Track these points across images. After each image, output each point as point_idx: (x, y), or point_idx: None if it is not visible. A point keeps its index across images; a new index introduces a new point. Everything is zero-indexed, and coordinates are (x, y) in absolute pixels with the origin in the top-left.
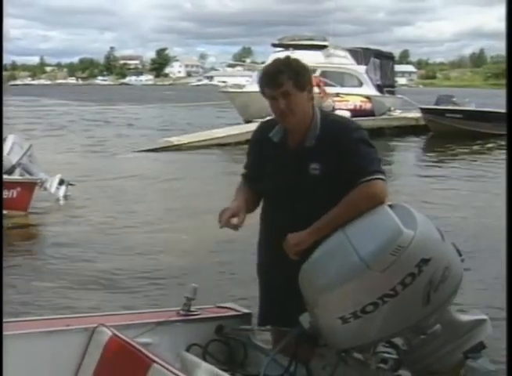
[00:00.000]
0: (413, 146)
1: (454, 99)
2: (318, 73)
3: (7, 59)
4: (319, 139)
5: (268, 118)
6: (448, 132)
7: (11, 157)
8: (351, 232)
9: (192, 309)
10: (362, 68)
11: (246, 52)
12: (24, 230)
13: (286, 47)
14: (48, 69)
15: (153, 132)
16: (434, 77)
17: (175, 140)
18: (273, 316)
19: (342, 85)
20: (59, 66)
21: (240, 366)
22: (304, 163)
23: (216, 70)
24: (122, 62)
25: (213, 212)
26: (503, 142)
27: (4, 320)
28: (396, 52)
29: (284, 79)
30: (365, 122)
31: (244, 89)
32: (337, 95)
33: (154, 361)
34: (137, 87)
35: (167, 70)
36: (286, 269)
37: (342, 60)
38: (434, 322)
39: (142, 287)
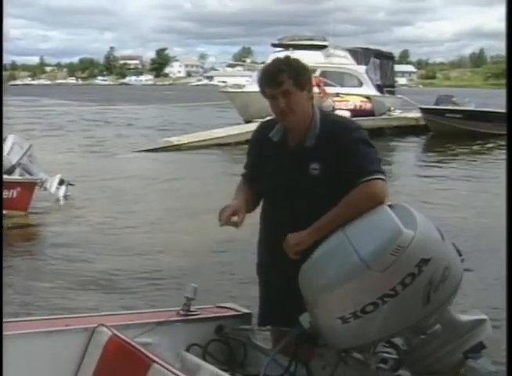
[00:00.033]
0: (413, 146)
1: (454, 99)
2: (318, 73)
3: (7, 59)
4: (319, 138)
5: (268, 118)
6: (448, 132)
7: (11, 157)
8: (351, 232)
9: (192, 308)
10: (362, 68)
11: (246, 52)
12: (24, 230)
13: (286, 47)
14: (48, 69)
15: (152, 132)
16: (434, 77)
17: (175, 140)
18: (273, 316)
19: (342, 85)
20: (59, 66)
21: (240, 366)
22: (304, 163)
23: (216, 70)
24: (122, 62)
25: (213, 212)
26: (503, 142)
27: (4, 320)
28: (396, 52)
29: (284, 78)
30: (365, 122)
31: (244, 89)
32: (337, 95)
33: (154, 361)
34: (137, 87)
35: (167, 70)
36: (286, 269)
37: (342, 60)
38: (434, 322)
39: (141, 288)
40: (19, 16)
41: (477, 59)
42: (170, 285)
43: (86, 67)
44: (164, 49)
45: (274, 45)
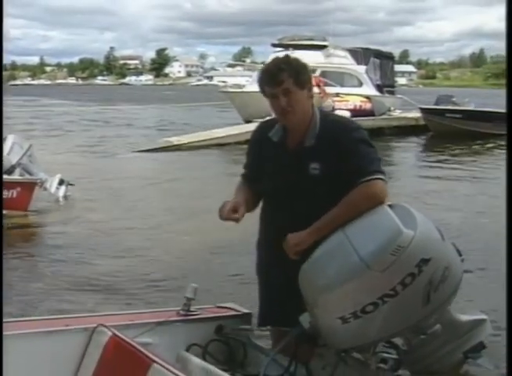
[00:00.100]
0: (413, 146)
1: (454, 99)
2: (318, 73)
3: (7, 59)
4: (319, 138)
5: (267, 118)
6: (447, 132)
7: (11, 157)
8: (351, 232)
9: (192, 308)
10: (361, 68)
11: (246, 52)
12: (24, 230)
13: (286, 47)
14: (48, 69)
15: (152, 132)
16: (433, 77)
17: (175, 140)
18: (273, 316)
19: (342, 85)
20: (58, 66)
21: (240, 366)
22: (304, 163)
23: (216, 70)
24: (122, 62)
25: (213, 212)
26: (503, 142)
27: (4, 320)
28: (396, 52)
29: (285, 77)
30: (365, 122)
31: (244, 89)
32: (337, 95)
33: (154, 361)
34: (137, 87)
35: (167, 70)
36: (286, 269)
37: (342, 60)
38: (434, 322)
39: (141, 289)
40: (19, 16)
41: (477, 59)
42: (170, 286)
43: (86, 67)
44: (164, 49)
45: (274, 45)
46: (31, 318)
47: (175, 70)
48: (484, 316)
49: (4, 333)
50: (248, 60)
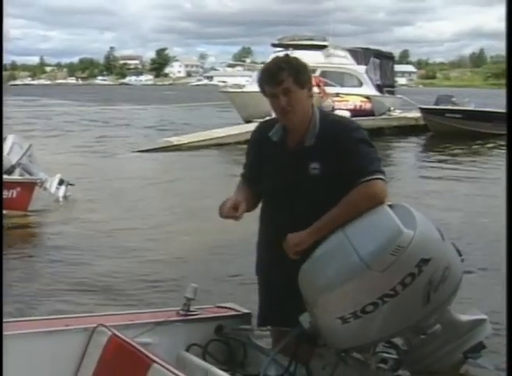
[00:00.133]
0: (413, 146)
1: (454, 99)
2: (318, 73)
3: (7, 59)
4: (319, 138)
5: (267, 118)
6: (447, 132)
7: (11, 157)
8: (351, 232)
9: (191, 308)
10: (361, 68)
11: (246, 52)
12: (24, 230)
13: (286, 47)
14: (48, 69)
15: (152, 132)
16: (433, 77)
17: (175, 140)
18: (273, 316)
19: (342, 85)
20: (58, 66)
21: (240, 366)
22: (304, 162)
23: (216, 70)
24: (122, 62)
25: (213, 212)
26: (503, 142)
27: (4, 320)
28: (396, 52)
29: (285, 76)
30: (365, 122)
31: (244, 89)
32: (337, 95)
33: (154, 361)
34: (137, 87)
35: (167, 70)
36: (286, 269)
37: (342, 60)
38: (434, 322)
39: (141, 290)
40: (19, 16)
41: (477, 59)
42: (169, 287)
43: (86, 67)
44: (164, 49)
45: (274, 45)
46: (31, 318)
47: (175, 70)
48: (484, 316)
49: (4, 333)
50: (248, 60)
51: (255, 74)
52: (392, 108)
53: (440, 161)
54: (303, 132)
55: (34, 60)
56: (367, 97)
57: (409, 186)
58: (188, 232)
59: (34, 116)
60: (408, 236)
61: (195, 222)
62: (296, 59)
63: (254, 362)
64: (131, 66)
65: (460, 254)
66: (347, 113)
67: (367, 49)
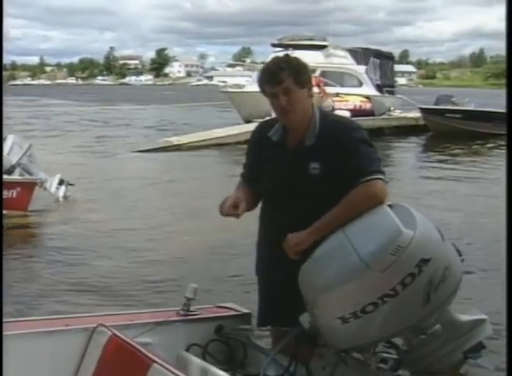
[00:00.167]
0: (413, 146)
1: (453, 99)
2: (318, 73)
3: (7, 59)
4: (319, 138)
5: (267, 118)
6: (447, 132)
7: (11, 157)
8: (351, 232)
9: (191, 308)
10: (361, 68)
11: (245, 52)
12: (24, 230)
13: (286, 47)
14: (47, 69)
15: (152, 132)
16: (433, 77)
17: (175, 140)
18: (273, 316)
19: (342, 85)
20: (58, 66)
21: (240, 366)
22: (304, 162)
23: (216, 70)
24: (122, 62)
25: (213, 212)
26: (503, 142)
27: (4, 320)
28: (396, 52)
29: (285, 76)
30: (365, 122)
31: (244, 89)
32: (337, 95)
33: (154, 361)
34: (137, 87)
35: (166, 70)
36: (286, 269)
37: (342, 60)
38: (433, 322)
39: (140, 291)
40: (19, 16)
41: (477, 59)
42: (169, 287)
43: (86, 67)
44: (163, 49)
45: (274, 45)
46: (31, 318)
47: (175, 70)
48: (484, 316)
49: (4, 333)
50: (248, 60)
51: (255, 74)
52: (392, 108)
53: (440, 161)
54: (303, 132)
55: (34, 60)
56: (367, 97)
57: (408, 186)
58: (188, 232)
59: (33, 116)
60: (408, 236)
61: (195, 222)
62: (296, 59)
63: (254, 362)
64: (131, 66)
65: (460, 254)
66: (347, 113)
67: (367, 49)
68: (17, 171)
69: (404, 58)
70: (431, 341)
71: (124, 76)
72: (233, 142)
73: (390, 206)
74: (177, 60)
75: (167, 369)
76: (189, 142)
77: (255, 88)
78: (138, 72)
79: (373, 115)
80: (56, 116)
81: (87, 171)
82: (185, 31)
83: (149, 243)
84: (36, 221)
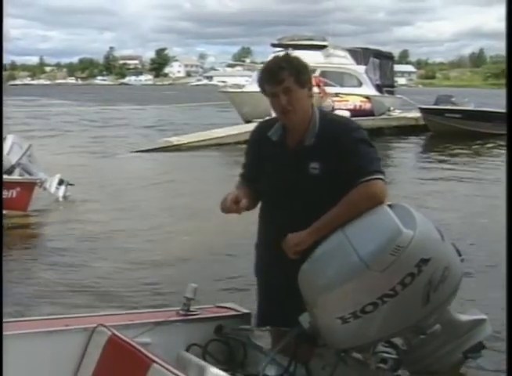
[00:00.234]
0: (413, 146)
1: (453, 99)
2: (317, 73)
3: (6, 59)
4: (319, 137)
5: (266, 118)
6: (447, 132)
7: (10, 157)
8: (351, 232)
9: (191, 308)
10: (361, 68)
11: (245, 52)
12: (24, 230)
13: (286, 47)
14: (47, 69)
15: (152, 132)
16: (433, 77)
17: (175, 140)
18: (272, 316)
19: (342, 85)
20: (58, 66)
21: (240, 366)
22: (304, 162)
23: (216, 70)
24: (122, 62)
25: (213, 212)
26: (503, 142)
27: (4, 320)
28: (396, 52)
29: (285, 75)
30: (365, 122)
31: (244, 89)
32: (337, 95)
33: (154, 361)
34: (136, 87)
35: (166, 70)
36: (286, 269)
37: (342, 60)
38: (433, 322)
39: (140, 292)
40: (19, 16)
41: (477, 59)
42: (169, 288)
43: (86, 67)
44: (163, 49)
45: (274, 45)
46: (31, 318)
47: (175, 70)
48: (484, 316)
49: (4, 333)
50: (248, 60)
51: (255, 74)
52: (392, 108)
53: (440, 161)
54: (303, 132)
55: (34, 60)
56: (367, 97)
57: (408, 187)
58: (188, 232)
59: (33, 116)
60: (407, 236)
61: (195, 222)
62: (296, 58)
63: (254, 362)
64: (131, 66)
65: (460, 255)
66: (346, 113)
67: (367, 49)
68: (17, 171)
69: (404, 58)
70: (431, 341)
71: (123, 76)
72: (233, 142)
73: (390, 206)
74: (177, 60)
75: (166, 369)
76: (188, 142)
77: (255, 88)
78: (137, 72)
79: (373, 115)
80: (56, 116)
81: (87, 172)
82: (184, 31)
83: (148, 243)
84: (36, 221)
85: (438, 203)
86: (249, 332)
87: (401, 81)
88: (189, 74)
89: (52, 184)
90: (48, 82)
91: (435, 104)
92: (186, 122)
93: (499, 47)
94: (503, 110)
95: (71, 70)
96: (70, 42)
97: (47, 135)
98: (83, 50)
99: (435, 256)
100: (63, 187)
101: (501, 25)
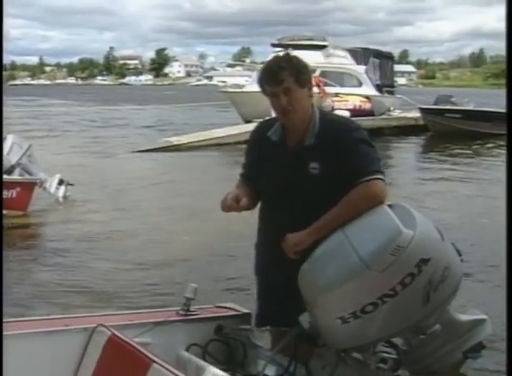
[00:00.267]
0: (413, 146)
1: (453, 99)
2: (317, 73)
3: (6, 59)
4: (319, 137)
5: (266, 118)
6: (447, 132)
7: (10, 157)
8: (351, 232)
9: (191, 308)
10: (361, 68)
11: (245, 52)
12: (23, 230)
13: (286, 47)
14: (47, 69)
15: (152, 132)
16: (433, 77)
17: (175, 140)
18: (272, 316)
19: (342, 85)
20: (58, 66)
21: (240, 366)
22: (304, 162)
23: (215, 70)
24: (122, 62)
25: (213, 212)
26: (503, 142)
27: (4, 320)
28: (396, 52)
29: (285, 75)
30: (365, 122)
31: (244, 89)
32: (337, 95)
33: (154, 361)
34: (136, 87)
35: (166, 70)
36: (286, 269)
37: (342, 60)
38: (433, 322)
39: (139, 293)
40: (19, 16)
41: (477, 59)
42: (169, 289)
43: (86, 67)
44: (163, 49)
45: (274, 45)
46: (31, 318)
47: (175, 70)
48: (484, 316)
49: (4, 333)
50: (248, 60)
51: (255, 74)
52: (392, 108)
53: (440, 161)
54: (303, 132)
55: (34, 60)
56: (367, 97)
57: (408, 187)
58: (188, 232)
59: (33, 116)
60: (407, 236)
61: (195, 222)
62: (296, 58)
63: (254, 362)
64: (131, 66)
65: (460, 255)
66: (346, 113)
67: (367, 49)
68: (17, 171)
69: (404, 58)
70: (431, 341)
71: (123, 76)
72: (233, 142)
73: (390, 206)
74: (177, 60)
75: (166, 369)
76: (188, 142)
77: (255, 88)
78: (137, 72)
79: (373, 115)
80: (56, 116)
81: (86, 172)
82: (184, 31)
83: (148, 243)
84: (36, 221)
85: (438, 203)
86: (249, 332)
87: (401, 81)
88: (189, 74)
89: (52, 184)
90: (48, 82)
91: (435, 104)
92: (186, 122)
93: (499, 47)
94: (503, 110)
95: (71, 70)
96: (70, 42)
97: (47, 135)
98: (83, 50)
99: (435, 256)
100: (62, 187)
101: (501, 25)
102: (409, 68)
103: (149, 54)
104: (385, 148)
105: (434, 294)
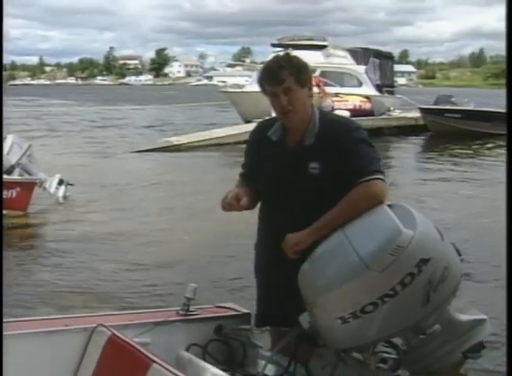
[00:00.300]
0: (412, 146)
1: (453, 99)
2: (317, 73)
3: (6, 59)
4: (319, 137)
5: (266, 118)
6: (447, 132)
7: (10, 157)
8: (351, 232)
9: (191, 308)
10: (361, 68)
11: (245, 52)
12: (23, 230)
13: (286, 47)
14: (47, 69)
15: (152, 132)
16: (433, 77)
17: (175, 140)
18: (272, 316)
19: (342, 85)
20: (58, 66)
21: (240, 366)
22: (304, 162)
23: (215, 70)
24: (122, 62)
25: (213, 212)
26: (503, 142)
27: (4, 320)
28: (396, 52)
29: (286, 75)
30: (365, 122)
31: (244, 89)
32: (337, 95)
33: (154, 361)
34: (136, 87)
35: (166, 70)
36: (285, 269)
37: (342, 60)
38: (433, 322)
39: (139, 293)
40: (19, 16)
41: (477, 59)
42: (169, 289)
43: (86, 67)
44: (163, 49)
45: (274, 45)
46: (31, 318)
47: (175, 70)
48: (483, 316)
49: (4, 333)
50: (248, 60)
51: (255, 74)
52: (392, 108)
53: (439, 161)
54: (302, 132)
55: (34, 60)
56: (367, 97)
57: (408, 187)
58: (188, 232)
59: (33, 116)
60: (407, 236)
61: (195, 222)
62: (296, 58)
63: (254, 362)
64: (131, 66)
65: (460, 254)
66: (346, 113)
67: (367, 49)
68: (17, 171)
69: (404, 58)
70: (431, 341)
71: (123, 76)
72: (233, 142)
73: (389, 206)
74: (177, 60)
75: (166, 369)
76: (188, 142)
77: (255, 88)
78: (137, 72)
79: (373, 115)
80: (56, 116)
81: (86, 172)
82: (184, 31)
83: (148, 243)
84: (35, 221)
85: (438, 203)
86: (249, 332)
87: (401, 81)
88: (189, 74)
89: (51, 184)
90: (48, 82)
91: (435, 104)
92: (186, 122)
93: (499, 47)
94: (503, 110)
95: (71, 70)
96: (70, 42)
97: (47, 135)
98: (83, 50)
99: (435, 256)
100: (62, 187)
101: (501, 25)
102: (409, 68)
103: (149, 54)
104: (385, 148)
105: (434, 294)
